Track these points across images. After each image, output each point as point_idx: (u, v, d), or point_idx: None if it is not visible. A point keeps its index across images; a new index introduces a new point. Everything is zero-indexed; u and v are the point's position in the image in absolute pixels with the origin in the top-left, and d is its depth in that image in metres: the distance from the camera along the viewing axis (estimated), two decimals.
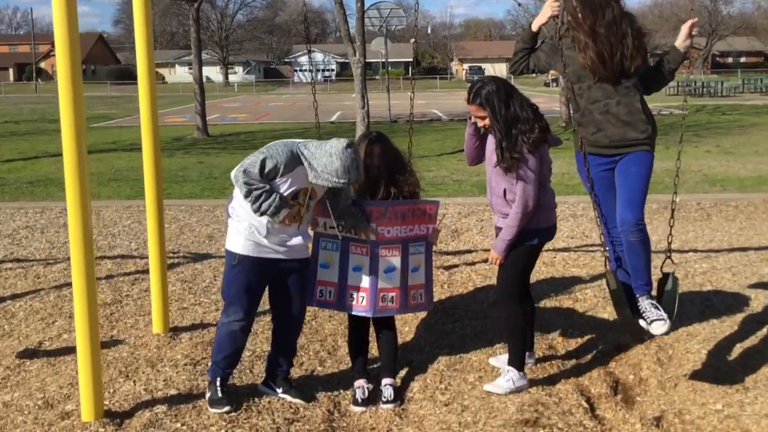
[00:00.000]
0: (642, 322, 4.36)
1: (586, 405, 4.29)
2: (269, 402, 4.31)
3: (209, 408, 4.18)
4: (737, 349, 4.93)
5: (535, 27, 4.58)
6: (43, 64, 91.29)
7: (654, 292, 4.48)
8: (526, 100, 4.25)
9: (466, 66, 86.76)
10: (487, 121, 4.22)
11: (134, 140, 19.37)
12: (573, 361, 4.96)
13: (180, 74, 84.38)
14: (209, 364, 4.38)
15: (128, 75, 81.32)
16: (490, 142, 4.32)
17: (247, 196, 3.93)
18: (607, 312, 5.64)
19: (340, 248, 4.44)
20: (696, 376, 4.57)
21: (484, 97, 4.18)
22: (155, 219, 5.19)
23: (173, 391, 4.39)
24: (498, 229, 4.44)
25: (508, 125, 4.14)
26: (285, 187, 4.00)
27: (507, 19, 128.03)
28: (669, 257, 4.54)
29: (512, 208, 4.23)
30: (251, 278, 4.15)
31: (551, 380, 4.65)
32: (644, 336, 4.67)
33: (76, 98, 3.77)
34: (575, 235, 8.28)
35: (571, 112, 4.65)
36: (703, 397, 4.30)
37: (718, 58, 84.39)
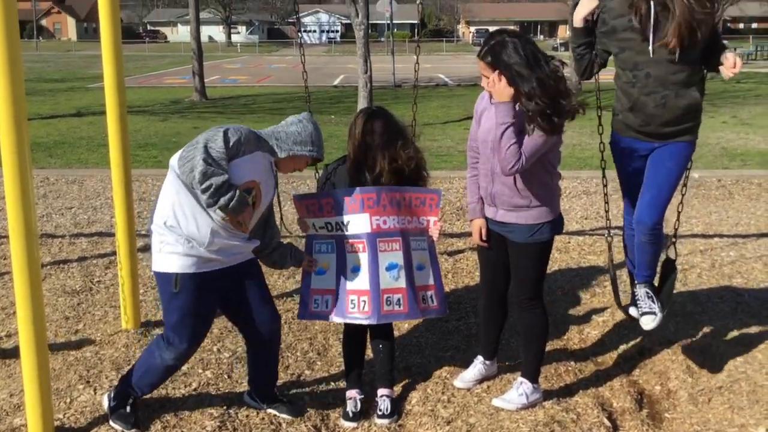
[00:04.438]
0: (634, 311, 4.09)
1: (608, 423, 3.76)
2: (247, 416, 3.77)
3: (111, 420, 3.60)
4: None
5: (579, 23, 3.90)
6: (44, 22, 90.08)
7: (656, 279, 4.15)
8: (553, 63, 3.46)
9: (473, 29, 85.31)
10: (496, 78, 3.40)
11: (130, 102, 18.66)
12: (591, 367, 4.42)
13: (182, 33, 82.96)
14: (127, 384, 3.63)
15: (130, 33, 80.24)
16: (488, 119, 3.62)
17: (202, 180, 3.12)
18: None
19: (336, 249, 3.83)
20: (732, 389, 4.04)
21: (503, 55, 3.37)
22: (122, 198, 4.61)
23: None
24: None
25: (540, 85, 3.35)
26: (241, 173, 3.30)
27: None
28: (674, 243, 4.22)
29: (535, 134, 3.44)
30: (200, 302, 3.44)
31: (568, 391, 4.11)
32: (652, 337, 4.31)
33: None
34: (589, 215, 7.71)
35: (618, 101, 3.96)
36: (742, 417, 3.77)
37: (729, 24, 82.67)
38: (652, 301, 3.98)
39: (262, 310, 3.63)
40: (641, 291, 4.03)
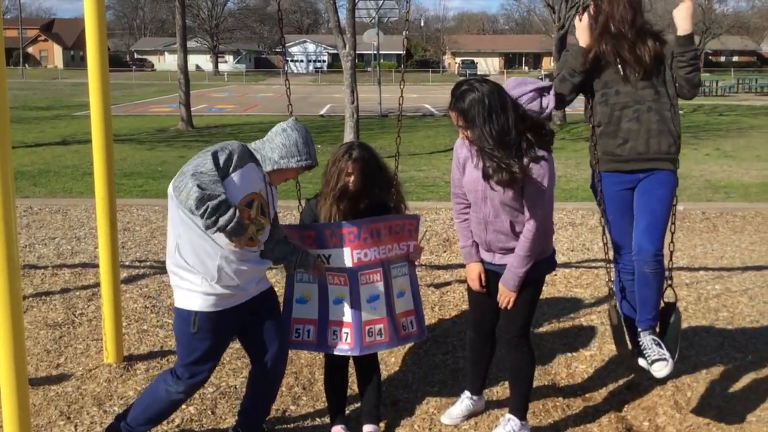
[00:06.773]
0: (642, 361, 3.92)
1: None
2: None
3: None
4: (765, 392, 4.37)
5: (586, 44, 3.97)
6: (30, 49, 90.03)
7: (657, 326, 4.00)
8: (521, 109, 3.46)
9: (458, 60, 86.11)
10: (469, 133, 3.44)
11: (116, 130, 18.61)
12: (579, 403, 4.38)
13: (169, 62, 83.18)
14: (122, 421, 3.56)
15: (117, 62, 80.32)
16: (472, 167, 3.59)
17: (199, 206, 3.00)
18: None
19: (317, 279, 3.83)
20: (720, 425, 4.02)
21: (466, 105, 3.36)
22: (106, 228, 4.55)
23: None
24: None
25: (499, 139, 3.34)
26: (238, 187, 3.24)
27: (500, 13, 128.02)
28: (670, 286, 4.05)
29: (524, 234, 3.52)
30: (218, 341, 3.44)
31: (556, 427, 4.08)
32: (645, 375, 4.06)
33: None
34: (575, 247, 7.71)
35: (592, 124, 4.03)
36: None
37: (710, 57, 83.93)
38: (660, 347, 3.82)
39: (272, 342, 3.58)
40: (647, 338, 3.87)
